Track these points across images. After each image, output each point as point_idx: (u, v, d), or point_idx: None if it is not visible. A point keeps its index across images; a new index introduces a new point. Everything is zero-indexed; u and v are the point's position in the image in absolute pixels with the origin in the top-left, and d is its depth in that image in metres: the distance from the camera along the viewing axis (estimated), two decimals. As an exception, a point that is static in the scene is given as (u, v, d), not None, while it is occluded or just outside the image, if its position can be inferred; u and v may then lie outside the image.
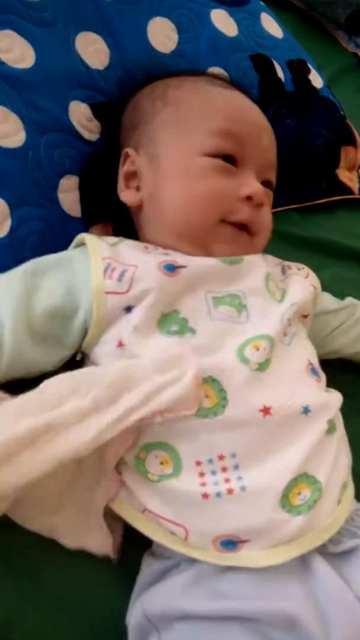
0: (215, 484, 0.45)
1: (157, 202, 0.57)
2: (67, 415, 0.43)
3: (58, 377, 0.46)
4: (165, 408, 0.44)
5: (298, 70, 0.82)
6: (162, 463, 0.46)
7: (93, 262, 0.51)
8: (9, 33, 0.60)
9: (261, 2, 0.87)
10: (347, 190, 0.91)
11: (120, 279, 0.50)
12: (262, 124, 0.61)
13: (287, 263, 0.63)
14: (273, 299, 0.55)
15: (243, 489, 0.45)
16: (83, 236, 0.55)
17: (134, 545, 0.50)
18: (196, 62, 0.71)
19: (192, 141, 0.56)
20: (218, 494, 0.45)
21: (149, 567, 0.49)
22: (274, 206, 0.82)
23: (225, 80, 0.67)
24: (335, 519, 0.47)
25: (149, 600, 0.46)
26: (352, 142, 0.89)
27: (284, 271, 0.61)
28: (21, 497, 0.45)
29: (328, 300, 0.69)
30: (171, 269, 0.51)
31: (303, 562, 0.46)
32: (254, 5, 0.83)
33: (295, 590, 0.44)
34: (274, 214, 0.81)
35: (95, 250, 0.52)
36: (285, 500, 0.45)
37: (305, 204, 0.87)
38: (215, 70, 0.72)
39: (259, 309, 0.53)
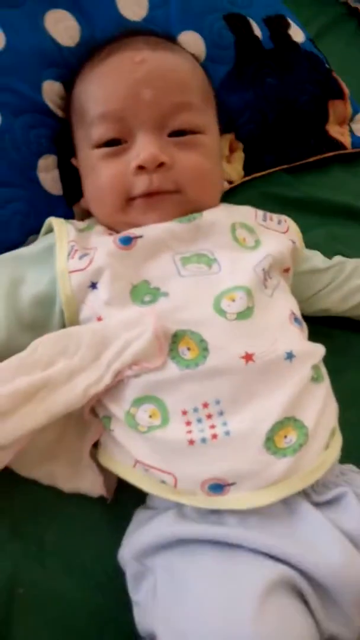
0: (200, 431, 0.47)
1: (87, 199, 0.62)
2: (59, 374, 0.48)
3: (46, 338, 0.50)
4: (132, 361, 0.47)
5: (277, 26, 0.81)
6: (150, 416, 0.48)
7: (58, 245, 0.55)
8: (-25, 17, 0.61)
9: None
10: (339, 145, 0.89)
11: (81, 257, 0.53)
12: (140, 76, 0.57)
13: (268, 213, 0.64)
14: (244, 248, 0.57)
15: (227, 433, 0.47)
16: (51, 220, 0.58)
17: (130, 507, 0.53)
18: (168, 27, 0.71)
19: (84, 138, 0.59)
20: (203, 440, 0.47)
21: (137, 516, 0.52)
22: (261, 168, 0.83)
23: (129, 34, 0.63)
24: (323, 463, 0.49)
25: (137, 540, 0.48)
26: (339, 95, 0.87)
27: (265, 218, 0.62)
28: (22, 449, 0.49)
29: (317, 259, 0.69)
30: (127, 241, 0.54)
31: (289, 507, 0.47)
32: None
33: (278, 526, 0.46)
34: (262, 176, 0.84)
35: (61, 235, 0.56)
36: (271, 443, 0.47)
37: (296, 164, 0.86)
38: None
39: (230, 261, 0.55)
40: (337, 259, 0.70)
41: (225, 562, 0.44)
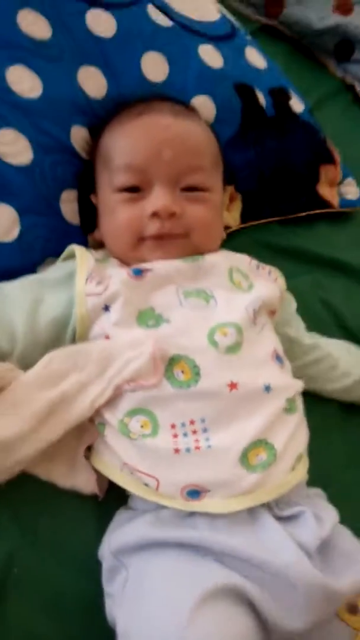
0: (186, 443, 0.54)
1: (103, 234, 0.70)
2: (71, 387, 0.55)
3: (59, 353, 0.57)
4: (130, 378, 0.54)
5: (279, 97, 0.92)
6: (142, 426, 0.55)
7: (79, 270, 0.62)
8: (20, 67, 0.70)
9: (247, 37, 0.97)
10: (327, 204, 0.99)
11: (98, 284, 0.61)
12: (164, 138, 0.65)
13: (261, 264, 0.72)
14: (239, 289, 0.64)
15: (209, 447, 0.54)
16: (73, 248, 0.66)
17: (116, 507, 0.59)
18: (184, 91, 0.81)
19: (107, 181, 0.67)
20: (187, 450, 0.54)
21: (118, 516, 0.58)
22: (257, 218, 0.92)
23: (156, 99, 0.72)
24: (287, 482, 0.56)
25: (116, 539, 0.54)
26: (330, 160, 0.98)
27: (258, 267, 0.70)
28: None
29: (301, 332, 0.76)
30: (138, 272, 0.62)
31: (253, 517, 0.54)
32: (240, 40, 0.92)
33: (242, 531, 0.52)
34: (257, 225, 0.93)
35: (82, 262, 0.63)
36: (245, 459, 0.54)
37: (287, 217, 0.95)
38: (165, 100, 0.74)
39: (225, 299, 0.62)
40: (321, 344, 0.76)
41: (179, 567, 0.50)
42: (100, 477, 0.59)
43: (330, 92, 1.29)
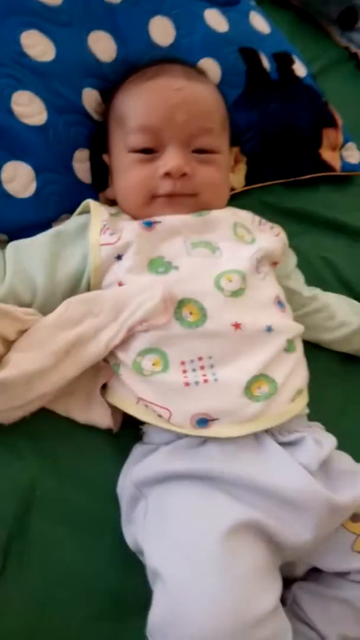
0: (194, 377, 0.58)
1: (116, 192, 0.73)
2: (87, 331, 0.60)
3: (75, 300, 0.62)
4: (143, 318, 0.59)
5: (283, 61, 0.94)
6: (154, 364, 0.60)
7: (93, 222, 0.66)
8: (33, 32, 0.74)
9: (251, 2, 0.99)
10: (330, 168, 1.02)
11: (111, 234, 0.65)
12: (177, 101, 0.68)
13: (264, 220, 0.76)
14: (242, 242, 0.68)
15: (216, 380, 0.58)
16: (88, 202, 0.70)
17: (129, 442, 0.64)
18: (191, 54, 0.84)
19: (122, 142, 0.71)
20: (196, 383, 0.58)
21: (136, 450, 0.63)
22: (261, 180, 0.96)
23: (167, 61, 0.75)
24: (288, 411, 0.61)
25: (137, 472, 0.59)
26: (332, 124, 1.00)
27: (260, 223, 0.74)
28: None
29: (300, 284, 0.80)
30: (149, 224, 0.66)
31: (259, 443, 0.59)
32: (244, 5, 0.95)
33: (251, 457, 0.57)
34: (261, 187, 0.96)
35: (96, 214, 0.67)
36: (248, 391, 0.59)
37: (291, 179, 0.99)
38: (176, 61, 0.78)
39: (230, 250, 0.66)
40: (316, 294, 0.80)
41: (201, 501, 0.55)
42: (114, 413, 0.64)
43: (334, 60, 1.31)
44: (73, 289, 0.66)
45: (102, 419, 0.63)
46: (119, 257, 0.64)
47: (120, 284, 0.64)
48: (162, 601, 0.51)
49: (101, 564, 0.59)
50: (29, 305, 0.64)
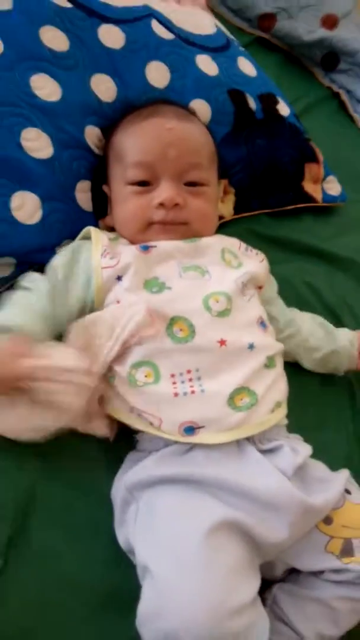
0: (183, 388, 0.64)
1: (115, 220, 0.80)
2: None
3: (78, 328, 0.68)
4: (133, 331, 0.65)
5: (267, 101, 1.03)
6: (146, 375, 0.66)
7: (94, 247, 0.73)
8: (42, 75, 0.81)
9: (240, 48, 1.08)
10: (312, 199, 1.10)
11: (111, 258, 0.72)
12: (169, 140, 0.75)
13: (249, 247, 0.83)
14: (229, 267, 0.75)
15: (202, 391, 0.64)
16: (89, 229, 0.77)
17: (123, 451, 0.70)
18: (184, 95, 0.92)
19: (120, 175, 0.78)
20: (185, 393, 0.64)
21: (128, 458, 0.68)
22: (248, 210, 1.03)
23: (161, 103, 0.83)
24: (267, 420, 0.67)
25: (129, 477, 0.65)
26: (314, 159, 1.09)
27: (247, 249, 0.81)
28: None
29: (280, 310, 0.85)
30: (145, 248, 0.73)
31: (240, 448, 0.65)
32: (233, 51, 1.04)
33: (233, 463, 0.63)
34: (248, 217, 1.03)
35: (97, 240, 0.74)
36: (231, 401, 0.65)
37: (275, 210, 1.06)
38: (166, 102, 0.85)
39: (218, 273, 0.73)
40: (292, 318, 0.85)
41: (186, 502, 0.61)
42: (110, 423, 0.70)
43: (318, 99, 1.41)
44: (82, 309, 0.72)
45: (100, 428, 0.68)
46: (119, 278, 0.71)
47: (118, 302, 0.70)
48: (149, 594, 0.56)
49: (97, 565, 0.64)
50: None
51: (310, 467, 0.67)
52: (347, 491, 0.67)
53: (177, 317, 0.68)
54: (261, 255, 0.83)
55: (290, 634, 0.63)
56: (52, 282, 0.72)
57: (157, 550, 0.58)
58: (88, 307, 0.72)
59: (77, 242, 0.77)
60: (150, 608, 0.55)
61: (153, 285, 0.71)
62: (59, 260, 0.75)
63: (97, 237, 0.75)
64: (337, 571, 0.63)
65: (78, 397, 0.62)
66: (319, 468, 0.69)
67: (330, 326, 0.88)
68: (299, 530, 0.62)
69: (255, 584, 0.58)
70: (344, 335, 0.85)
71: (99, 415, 0.69)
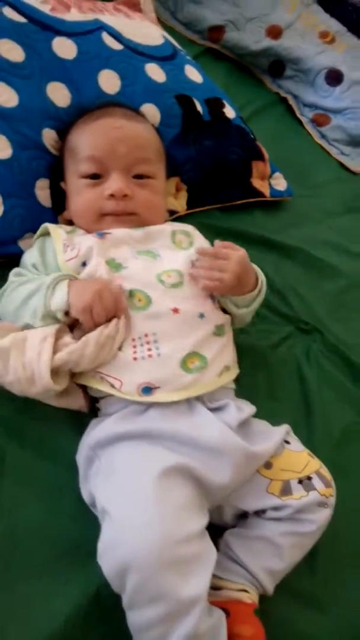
0: (142, 352, 0.72)
1: (71, 212, 0.87)
2: None
3: None
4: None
5: (214, 105, 1.11)
6: None
7: (56, 244, 0.80)
8: (0, 84, 0.88)
9: (187, 57, 1.17)
10: (260, 194, 1.18)
11: (72, 250, 0.79)
12: (118, 137, 0.83)
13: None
14: (180, 249, 0.83)
15: (159, 355, 0.72)
16: (46, 226, 0.84)
17: (88, 418, 0.76)
18: (134, 100, 0.99)
19: (74, 170, 0.85)
20: (143, 357, 0.72)
21: (92, 422, 0.75)
22: (200, 205, 1.11)
23: (111, 105, 0.90)
24: (215, 381, 0.74)
25: (92, 436, 0.71)
26: (260, 157, 1.17)
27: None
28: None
29: None
30: (101, 235, 0.80)
31: (191, 408, 0.72)
32: (180, 60, 1.12)
33: (184, 419, 0.70)
34: (201, 211, 1.11)
35: (56, 236, 0.81)
36: (184, 364, 0.72)
37: (226, 204, 1.14)
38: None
39: (169, 255, 0.81)
40: None
41: (141, 453, 0.67)
42: (84, 397, 0.76)
43: (266, 103, 1.50)
44: None
45: (75, 402, 0.75)
46: (84, 264, 0.78)
47: None
48: (107, 530, 0.62)
49: (62, 519, 0.70)
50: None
51: (253, 423, 0.75)
52: (287, 442, 0.75)
53: (134, 289, 0.75)
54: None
55: (242, 572, 0.69)
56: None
57: (114, 494, 0.64)
58: None
59: (39, 240, 0.84)
60: (106, 542, 0.61)
61: (111, 265, 0.78)
62: (30, 259, 0.82)
63: (55, 233, 0.82)
64: (277, 508, 0.70)
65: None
66: (262, 424, 0.76)
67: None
68: (242, 474, 0.69)
69: (203, 520, 0.65)
70: None
71: (74, 390, 0.75)
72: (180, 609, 0.58)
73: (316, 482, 0.71)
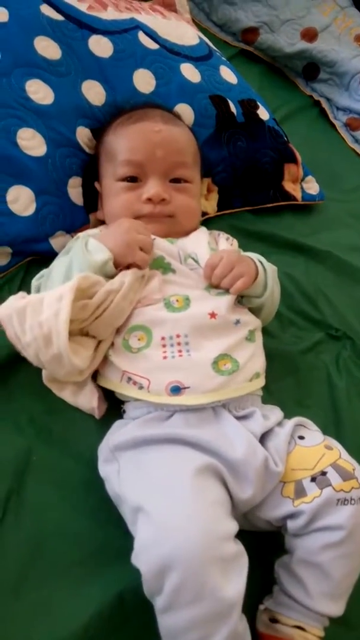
0: (172, 352, 0.71)
1: (105, 213, 0.87)
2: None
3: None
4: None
5: (248, 106, 1.10)
6: (139, 339, 0.72)
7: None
8: (36, 81, 0.88)
9: (222, 58, 1.16)
10: (291, 197, 1.17)
11: None
12: (156, 141, 0.83)
13: (221, 232, 0.91)
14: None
15: (189, 355, 0.71)
16: (78, 236, 0.83)
17: (113, 419, 0.75)
18: (168, 100, 0.99)
19: (111, 172, 0.85)
20: (173, 356, 0.71)
21: (115, 424, 0.74)
22: (231, 207, 1.10)
23: (149, 107, 0.91)
24: (245, 387, 0.73)
25: (114, 438, 0.70)
26: (293, 160, 1.16)
27: (218, 235, 0.90)
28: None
29: None
30: None
31: (216, 414, 0.71)
32: (215, 60, 1.11)
33: (209, 426, 0.69)
34: (231, 213, 1.10)
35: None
36: (215, 365, 0.71)
37: (257, 207, 1.13)
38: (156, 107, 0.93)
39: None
40: None
41: (170, 452, 0.66)
42: (100, 402, 0.75)
43: (299, 106, 1.49)
44: None
45: (88, 403, 0.74)
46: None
47: None
48: (145, 528, 0.60)
49: (87, 519, 0.69)
50: None
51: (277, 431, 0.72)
52: (300, 437, 0.72)
53: (175, 293, 0.75)
54: (231, 239, 0.91)
55: (296, 606, 0.66)
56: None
57: (149, 491, 0.63)
58: None
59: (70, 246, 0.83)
60: (145, 540, 0.59)
61: (160, 265, 0.78)
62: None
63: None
64: (293, 516, 0.66)
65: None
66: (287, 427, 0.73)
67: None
68: (263, 488, 0.67)
69: (234, 523, 0.62)
70: None
71: (88, 391, 0.74)
72: (223, 610, 0.56)
73: (332, 476, 0.66)
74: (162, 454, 0.67)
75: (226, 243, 0.88)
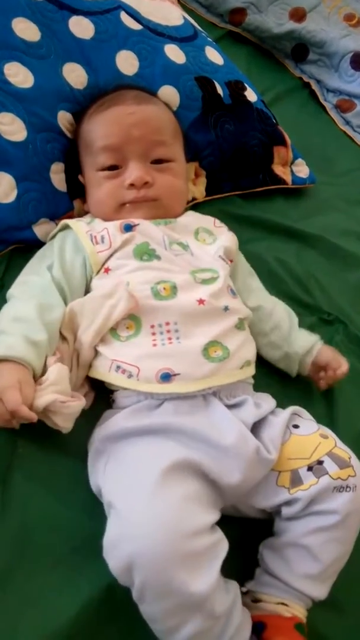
0: (161, 340, 0.69)
1: (90, 205, 0.85)
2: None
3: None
4: (119, 318, 0.71)
5: (235, 88, 1.07)
6: (127, 327, 0.71)
7: (81, 236, 0.77)
8: (15, 64, 0.85)
9: (208, 38, 1.13)
10: (282, 181, 1.15)
11: (102, 240, 0.76)
12: (130, 122, 0.80)
13: (222, 223, 0.89)
14: (204, 244, 0.81)
15: (179, 342, 0.69)
16: (66, 222, 0.81)
17: (102, 409, 0.74)
18: (152, 82, 0.96)
19: (91, 163, 0.83)
20: (163, 344, 0.69)
21: (104, 414, 0.72)
22: (220, 192, 1.08)
23: (122, 88, 0.88)
24: (236, 374, 0.71)
25: (102, 429, 0.68)
26: (282, 142, 1.13)
27: (215, 224, 0.87)
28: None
29: (263, 297, 0.89)
30: (128, 228, 0.78)
31: (206, 402, 0.69)
32: (201, 40, 1.08)
33: (199, 414, 0.67)
34: (221, 198, 1.08)
35: (79, 229, 0.79)
36: (206, 352, 0.69)
37: (247, 191, 1.11)
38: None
39: (197, 250, 0.79)
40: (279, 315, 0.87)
41: (150, 448, 0.64)
42: (88, 392, 0.73)
43: (289, 88, 1.47)
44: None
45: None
46: (112, 255, 0.76)
47: (107, 270, 0.76)
48: (113, 525, 0.60)
49: (76, 511, 0.68)
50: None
51: (270, 419, 0.71)
52: (295, 426, 0.71)
53: (162, 280, 0.73)
54: (231, 232, 0.88)
55: (280, 585, 0.66)
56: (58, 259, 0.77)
57: (120, 487, 0.62)
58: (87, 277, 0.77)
59: (59, 237, 0.81)
60: (112, 537, 0.59)
61: (143, 251, 0.76)
62: (46, 261, 0.78)
63: (77, 226, 0.79)
64: (288, 503, 0.66)
65: (69, 421, 0.67)
66: (280, 417, 0.72)
67: (294, 325, 0.87)
68: (253, 477, 0.66)
69: (212, 515, 0.61)
70: (302, 341, 0.84)
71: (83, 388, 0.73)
72: (192, 604, 0.56)
73: (328, 464, 0.66)
74: (141, 447, 0.65)
75: (227, 234, 0.87)
